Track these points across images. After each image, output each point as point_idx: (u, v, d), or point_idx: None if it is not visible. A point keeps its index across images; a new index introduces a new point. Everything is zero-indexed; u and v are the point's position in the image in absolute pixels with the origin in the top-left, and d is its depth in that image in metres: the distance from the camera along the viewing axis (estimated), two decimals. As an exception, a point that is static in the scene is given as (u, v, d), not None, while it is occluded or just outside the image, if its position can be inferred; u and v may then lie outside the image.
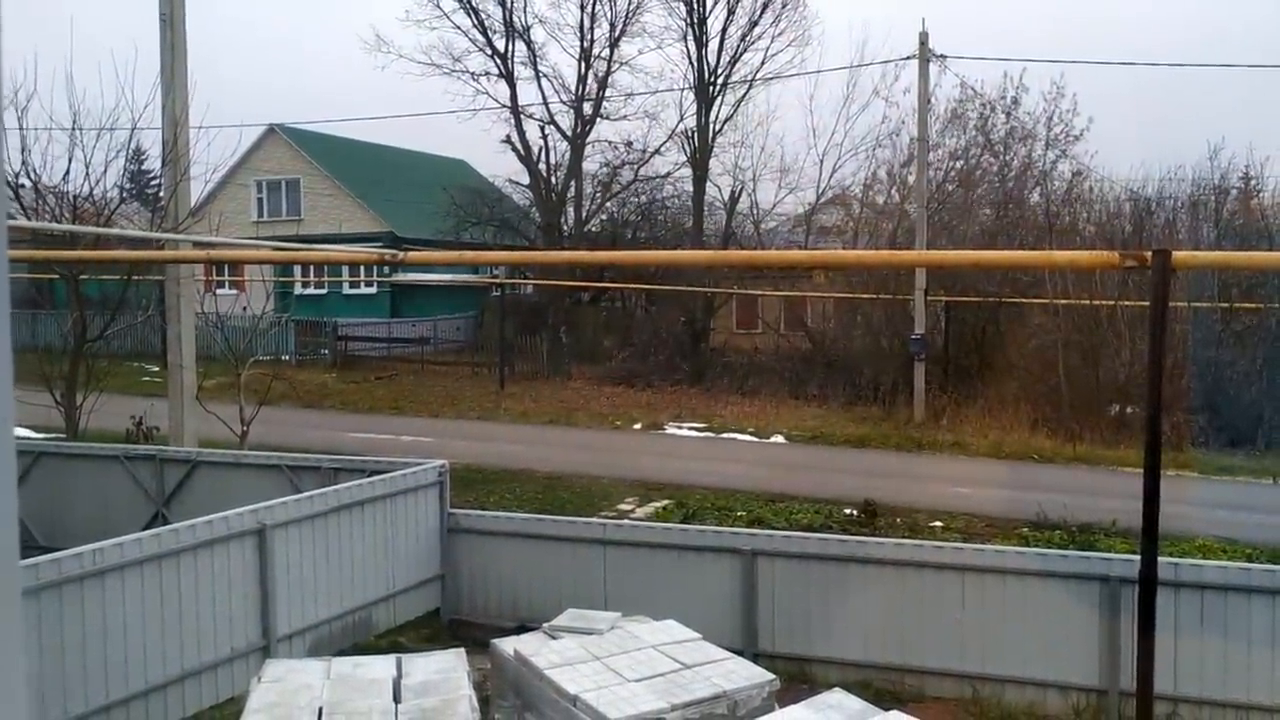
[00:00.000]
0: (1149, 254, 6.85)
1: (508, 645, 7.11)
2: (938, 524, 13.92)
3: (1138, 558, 7.26)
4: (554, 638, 7.21)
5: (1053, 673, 8.31)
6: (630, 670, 6.46)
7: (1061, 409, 21.77)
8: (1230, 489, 16.80)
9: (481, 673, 7.48)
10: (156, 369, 25.00)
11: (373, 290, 37.63)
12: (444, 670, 6.29)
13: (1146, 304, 14.03)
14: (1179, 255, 7.22)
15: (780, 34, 33.09)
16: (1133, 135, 40.25)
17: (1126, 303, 22.01)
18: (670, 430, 21.93)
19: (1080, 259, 10.84)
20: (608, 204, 35.65)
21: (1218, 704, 7.85)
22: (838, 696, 6.36)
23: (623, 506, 14.91)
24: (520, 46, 34.43)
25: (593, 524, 10.20)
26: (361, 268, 36.33)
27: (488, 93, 34.94)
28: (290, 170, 38.82)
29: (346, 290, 38.08)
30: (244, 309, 17.48)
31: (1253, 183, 25.53)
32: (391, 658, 6.54)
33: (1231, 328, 22.45)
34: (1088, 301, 22.84)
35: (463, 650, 6.76)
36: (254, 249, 16.89)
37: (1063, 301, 23.14)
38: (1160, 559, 7.27)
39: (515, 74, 34.42)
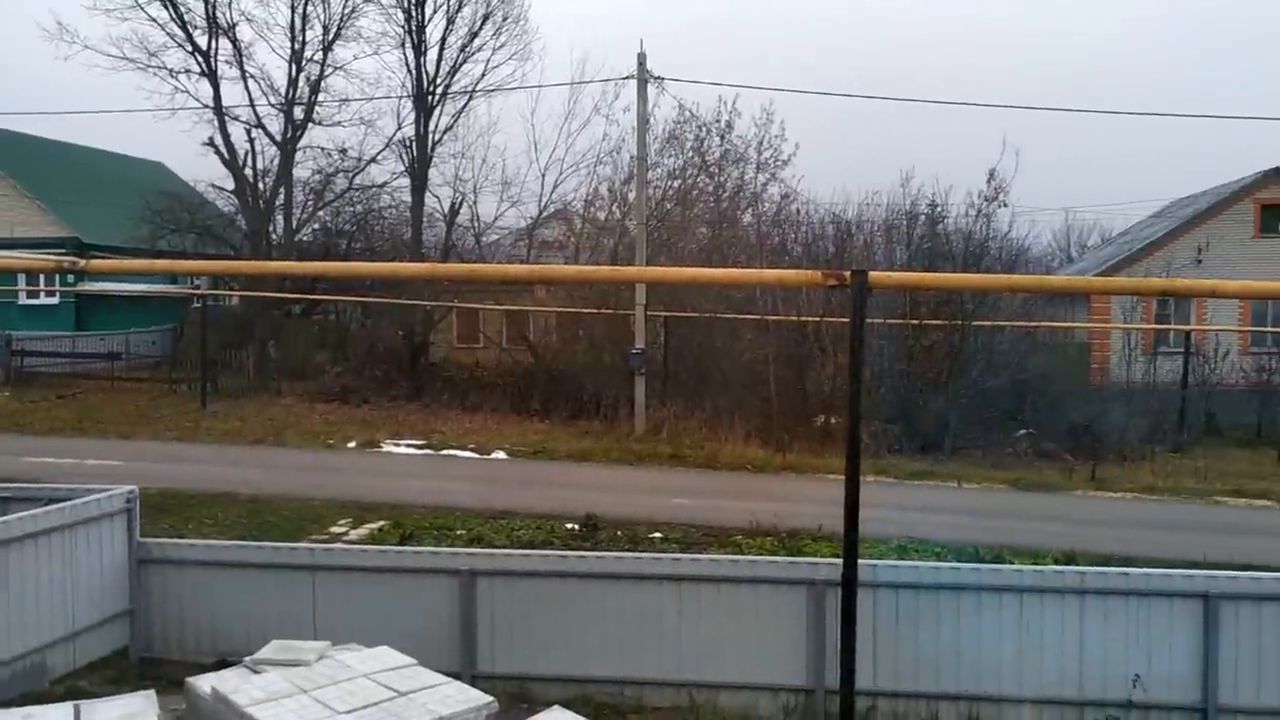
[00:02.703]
0: (848, 273, 7.19)
1: (204, 683, 6.57)
2: (657, 535, 14.15)
3: (840, 561, 7.60)
4: (256, 672, 6.74)
5: (765, 676, 8.55)
6: (340, 702, 6.12)
7: (772, 420, 22.82)
8: (922, 492, 18.02)
9: (175, 714, 6.89)
10: None
11: (55, 301, 34.22)
12: (130, 715, 5.71)
13: (847, 320, 14.90)
14: (875, 275, 7.61)
15: (501, 47, 33.14)
16: (835, 162, 43.15)
17: (830, 319, 23.39)
18: (388, 448, 21.26)
19: (787, 277, 11.36)
20: (320, 213, 34.32)
21: (910, 695, 8.34)
22: (557, 715, 6.30)
23: (335, 529, 14.24)
24: (225, 44, 32.60)
25: (300, 549, 9.63)
26: (42, 276, 33.07)
27: (188, 91, 32.85)
28: (-47, 166, 34.90)
29: (24, 300, 34.47)
30: (-106, 319, 15.40)
31: (938, 209, 27.75)
32: (68, 705, 5.88)
33: (921, 343, 24.31)
34: (795, 318, 24.11)
35: (152, 692, 6.19)
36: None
37: (772, 318, 24.33)
38: (860, 561, 7.64)
39: (219, 73, 32.55)
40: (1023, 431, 22.95)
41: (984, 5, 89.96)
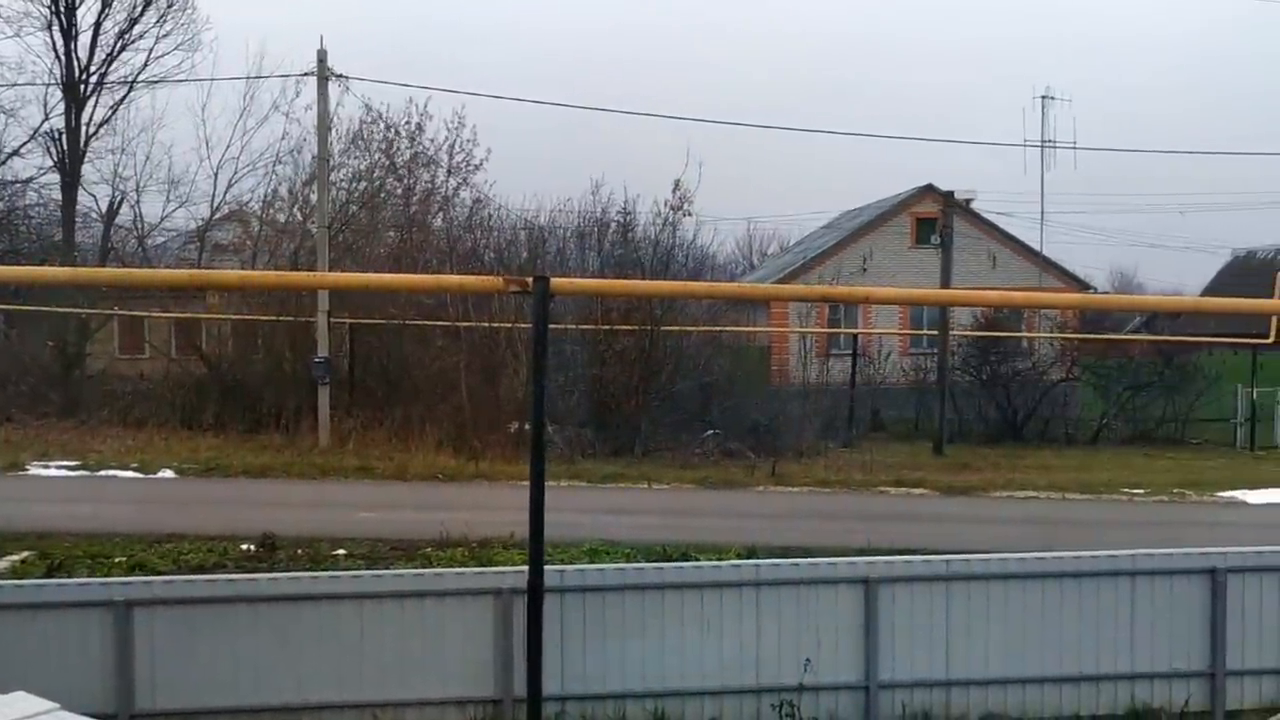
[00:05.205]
0: (530, 280, 7.16)
1: None
2: (341, 552, 13.48)
3: (527, 568, 7.49)
4: None
5: (452, 690, 8.30)
6: (-46, 763, 5.29)
7: (465, 428, 22.49)
8: (614, 495, 18.27)
9: None
10: None
11: None
12: None
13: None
14: (557, 282, 7.65)
15: (166, 35, 30.64)
16: (528, 168, 43.25)
17: (522, 325, 23.32)
18: (34, 471, 19.25)
19: (469, 283, 11.23)
20: (-49, 210, 30.53)
21: (599, 697, 8.34)
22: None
23: (-33, 564, 12.62)
24: None
25: (-86, 590, 8.42)
26: None
27: None
28: None
29: None
30: None
31: (629, 218, 28.27)
32: None
33: (613, 347, 24.71)
34: (487, 324, 23.90)
35: None
36: None
37: (464, 324, 24.01)
38: (547, 567, 7.56)
39: None
40: (709, 432, 23.82)
41: (672, 23, 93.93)
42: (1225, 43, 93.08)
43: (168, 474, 19.31)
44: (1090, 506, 18.57)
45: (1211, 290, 42.39)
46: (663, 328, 24.96)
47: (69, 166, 29.43)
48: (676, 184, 26.10)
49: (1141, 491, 19.87)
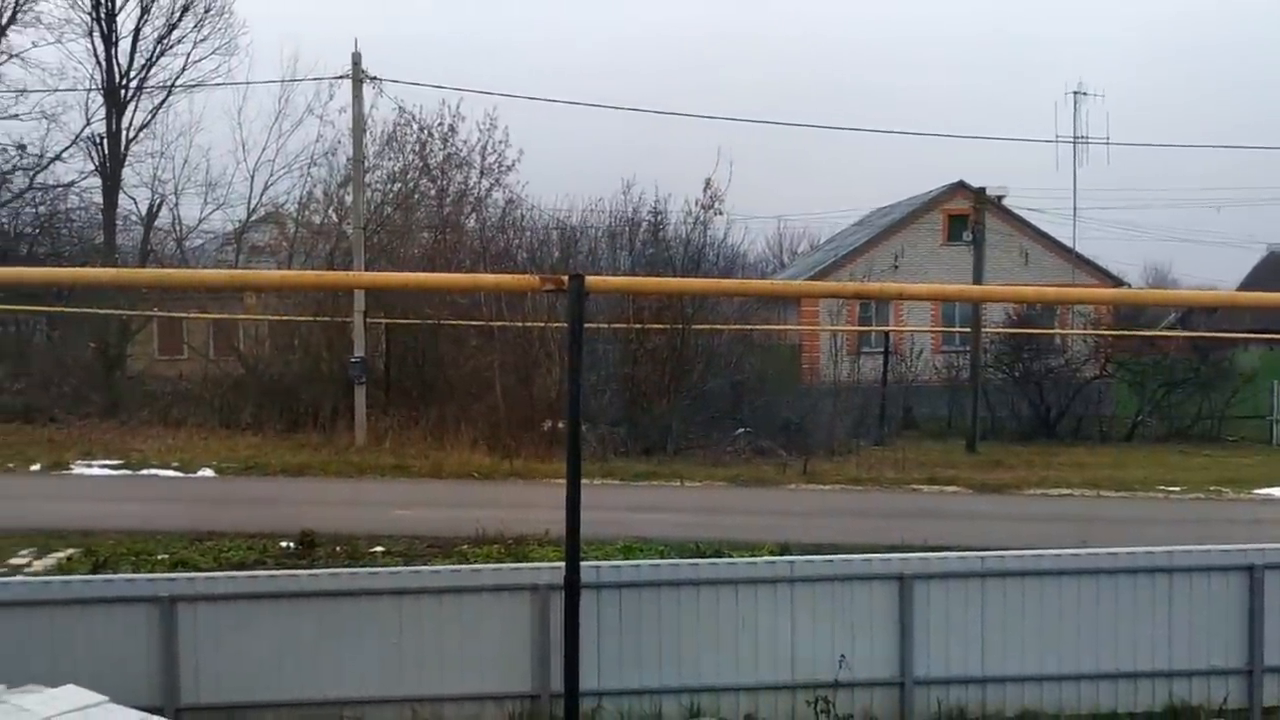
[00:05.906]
0: (565, 278, 7.18)
1: None
2: (379, 549, 13.65)
3: (563, 564, 7.57)
4: (-92, 728, 5.89)
5: (490, 685, 8.37)
6: (14, 750, 5.45)
7: (499, 427, 22.66)
8: (647, 493, 18.37)
9: None
10: None
11: None
12: None
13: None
14: (592, 280, 7.64)
15: (204, 40, 31.21)
16: (559, 168, 43.29)
17: (556, 324, 23.45)
18: (78, 470, 19.59)
19: (505, 282, 11.31)
20: (-5, 213, 31.11)
21: (635, 692, 8.38)
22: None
23: (16, 561, 12.86)
24: None
25: (-34, 584, 8.62)
26: None
27: None
28: None
29: None
30: None
31: (660, 217, 28.33)
32: None
33: (645, 346, 24.79)
34: (520, 324, 24.05)
35: None
36: None
37: (497, 324, 24.17)
38: (583, 563, 7.63)
39: None
40: (740, 430, 23.85)
41: (701, 25, 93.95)
42: (1233, 25, 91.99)
43: (207, 473, 19.58)
44: (1125, 504, 18.44)
45: (1247, 285, 41.87)
46: (694, 326, 25.00)
47: (110, 170, 29.94)
48: (707, 183, 26.13)
49: (1177, 489, 19.71)
